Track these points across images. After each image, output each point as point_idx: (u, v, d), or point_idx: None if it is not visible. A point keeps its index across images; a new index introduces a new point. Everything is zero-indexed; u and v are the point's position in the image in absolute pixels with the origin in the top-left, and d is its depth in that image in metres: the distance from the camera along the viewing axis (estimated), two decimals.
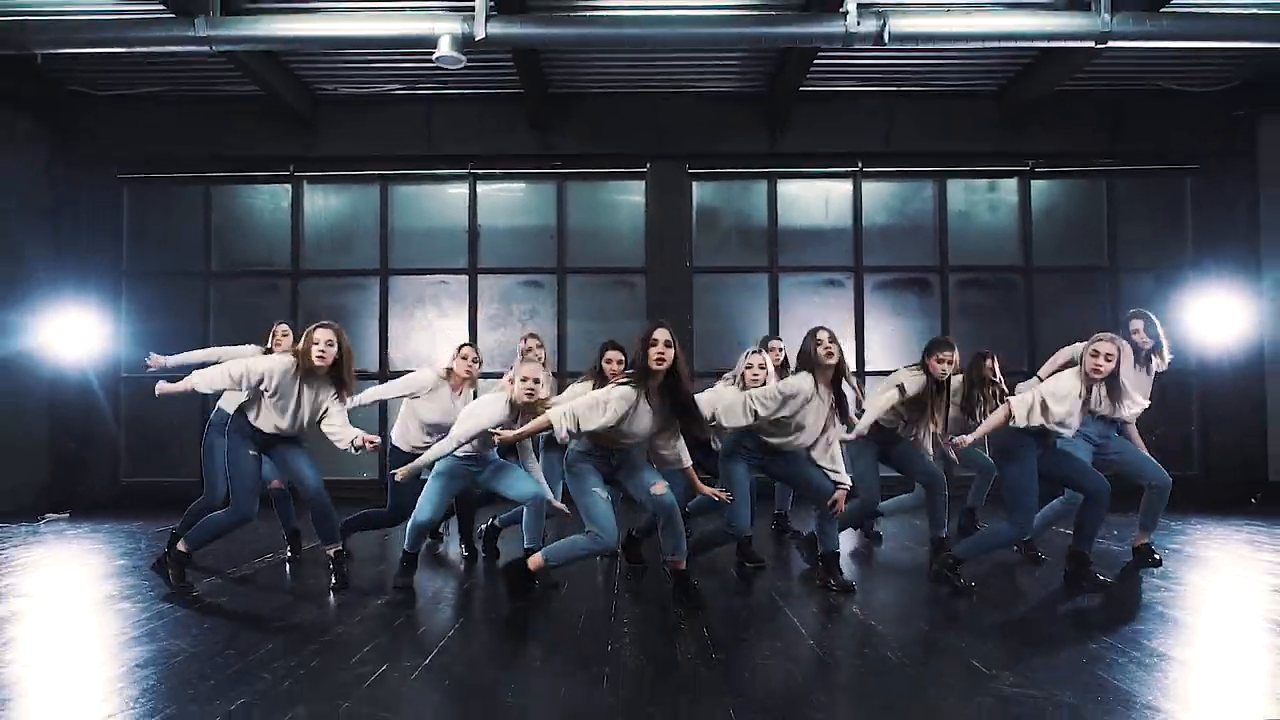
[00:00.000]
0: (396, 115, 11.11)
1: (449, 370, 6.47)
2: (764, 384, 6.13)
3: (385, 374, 11.21)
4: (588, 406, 4.96)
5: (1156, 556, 6.31)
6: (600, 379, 6.37)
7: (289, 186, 11.41)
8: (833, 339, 5.57)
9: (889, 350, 11.04)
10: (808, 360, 5.55)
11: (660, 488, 5.07)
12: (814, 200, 11.52)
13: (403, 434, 6.41)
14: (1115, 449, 6.18)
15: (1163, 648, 4.23)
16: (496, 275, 11.35)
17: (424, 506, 5.68)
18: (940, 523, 6.47)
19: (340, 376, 5.71)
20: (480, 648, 4.30)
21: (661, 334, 5.00)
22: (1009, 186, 11.49)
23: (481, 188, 11.43)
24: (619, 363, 6.51)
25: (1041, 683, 3.70)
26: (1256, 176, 11.04)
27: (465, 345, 6.63)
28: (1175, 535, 7.80)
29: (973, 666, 3.92)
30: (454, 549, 7.17)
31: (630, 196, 11.49)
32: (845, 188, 11.45)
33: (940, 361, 6.20)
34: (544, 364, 6.16)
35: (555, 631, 4.60)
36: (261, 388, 5.55)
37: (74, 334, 10.50)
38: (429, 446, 5.80)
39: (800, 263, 11.31)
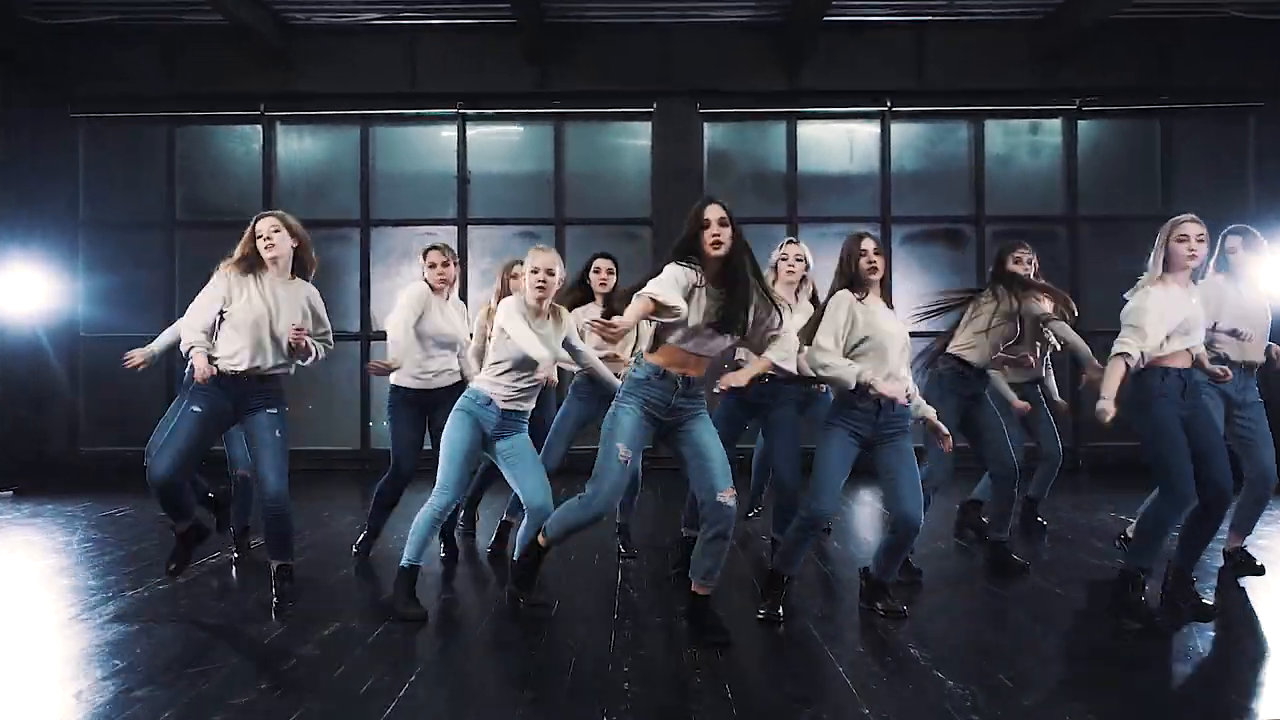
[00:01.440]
0: (377, 48, 10.21)
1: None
2: (800, 279, 5.35)
3: (367, 334, 10.33)
4: (660, 283, 3.84)
5: (1259, 564, 5.37)
6: (585, 293, 5.59)
7: (260, 127, 10.56)
8: (878, 250, 4.52)
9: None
10: (845, 273, 4.53)
11: (729, 495, 3.99)
12: (837, 143, 10.72)
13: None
14: (1250, 419, 5.19)
15: None
16: (488, 226, 10.56)
17: (444, 485, 4.51)
18: (1003, 522, 5.54)
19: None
20: (442, 712, 3.38)
21: (714, 211, 3.96)
22: (1052, 127, 10.63)
23: (472, 129, 10.60)
24: (609, 273, 5.64)
25: None
26: None
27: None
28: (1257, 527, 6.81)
29: None
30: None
31: (635, 139, 10.69)
32: (872, 129, 10.61)
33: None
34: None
35: (539, 685, 3.67)
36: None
37: (25, 290, 9.58)
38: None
39: (822, 213, 10.47)
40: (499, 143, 10.72)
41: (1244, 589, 5.11)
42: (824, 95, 10.41)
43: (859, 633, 4.36)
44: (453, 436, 4.51)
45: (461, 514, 6.12)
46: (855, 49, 10.16)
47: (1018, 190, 10.52)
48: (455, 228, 10.43)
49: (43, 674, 3.77)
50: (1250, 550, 5.42)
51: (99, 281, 10.29)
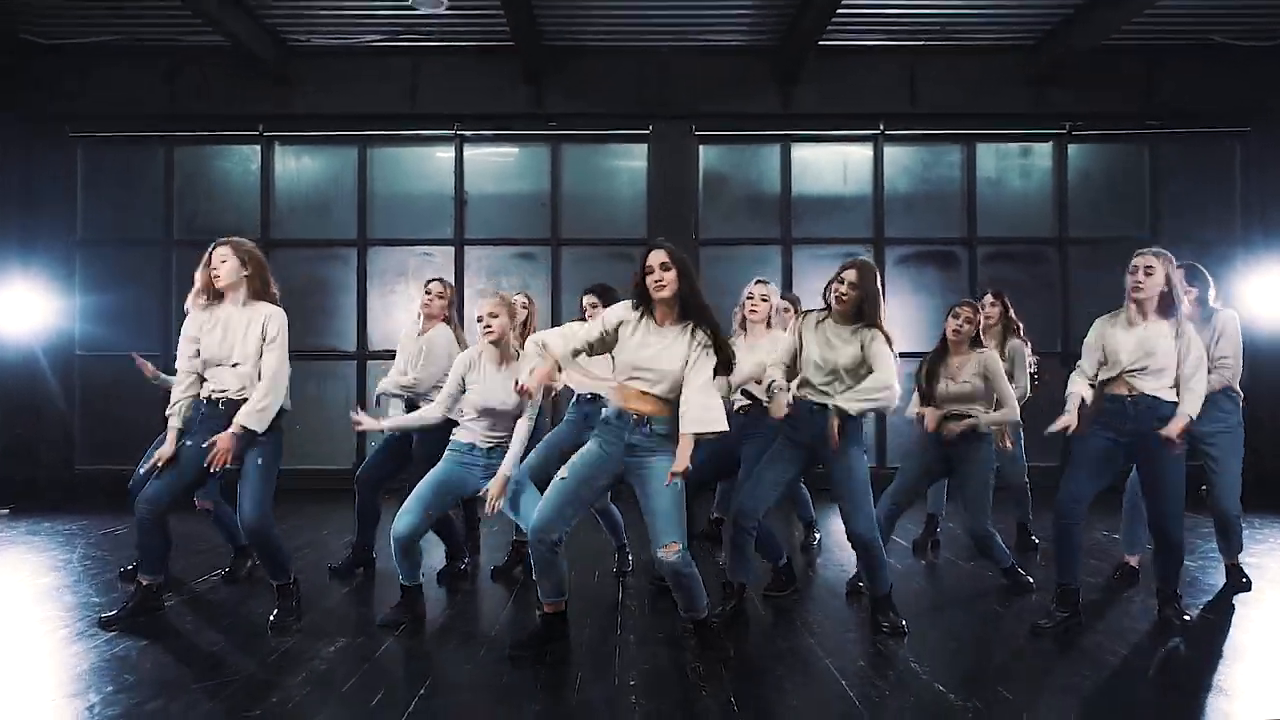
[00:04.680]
0: (376, 70, 10.26)
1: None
2: (762, 320, 5.60)
3: (364, 353, 10.36)
4: (560, 332, 4.22)
5: (1246, 579, 5.48)
6: None
7: (258, 147, 10.56)
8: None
9: (910, 330, 10.01)
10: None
11: (670, 551, 3.93)
12: (831, 165, 10.76)
13: None
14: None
15: None
16: (485, 246, 10.57)
17: (403, 513, 4.62)
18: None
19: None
20: None
21: (656, 256, 4.03)
22: (1042, 151, 10.69)
23: (469, 150, 10.64)
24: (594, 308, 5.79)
25: None
26: None
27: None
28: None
29: None
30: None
31: (631, 161, 10.73)
32: (865, 152, 10.66)
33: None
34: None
35: (548, 692, 3.73)
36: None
37: (22, 308, 9.61)
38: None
39: (815, 234, 10.53)
40: (496, 164, 10.76)
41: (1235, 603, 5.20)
42: (818, 118, 10.47)
43: (858, 645, 4.42)
44: None
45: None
46: (849, 73, 10.25)
47: (1009, 213, 10.58)
48: (452, 248, 10.49)
49: (52, 688, 3.80)
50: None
51: (96, 300, 10.29)
